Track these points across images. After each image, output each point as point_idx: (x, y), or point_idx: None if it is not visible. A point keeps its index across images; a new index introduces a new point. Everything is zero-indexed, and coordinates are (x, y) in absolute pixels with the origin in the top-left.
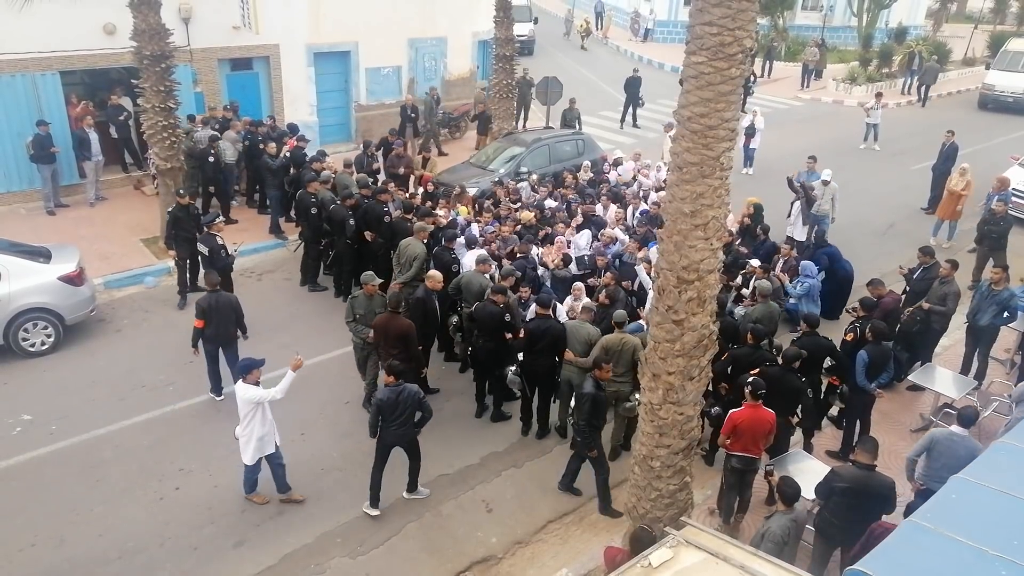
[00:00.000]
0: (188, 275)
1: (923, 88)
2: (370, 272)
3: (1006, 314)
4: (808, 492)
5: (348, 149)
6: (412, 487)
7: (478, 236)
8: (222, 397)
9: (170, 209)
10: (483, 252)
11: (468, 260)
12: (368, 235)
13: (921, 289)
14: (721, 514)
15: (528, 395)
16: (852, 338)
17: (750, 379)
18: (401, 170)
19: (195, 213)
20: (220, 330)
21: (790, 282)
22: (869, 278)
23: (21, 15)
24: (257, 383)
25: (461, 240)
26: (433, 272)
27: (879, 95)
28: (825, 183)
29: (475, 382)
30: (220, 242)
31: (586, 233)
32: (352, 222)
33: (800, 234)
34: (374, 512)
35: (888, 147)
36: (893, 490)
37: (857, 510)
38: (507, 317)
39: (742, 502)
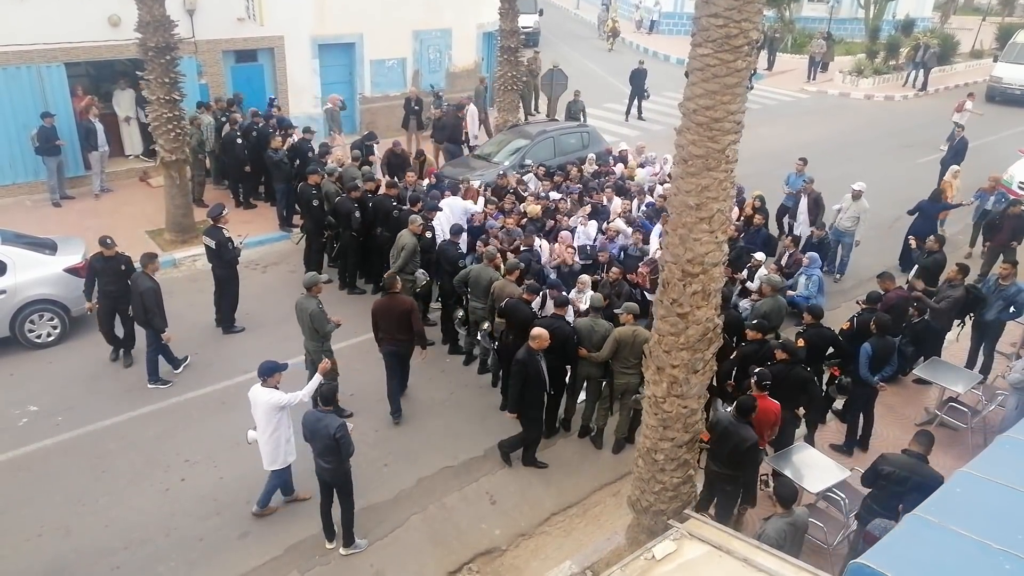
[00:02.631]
0: (123, 333)
1: (924, 72)
2: (312, 273)
3: (1012, 309)
4: (813, 486)
5: (352, 142)
6: (346, 540)
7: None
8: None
9: (89, 256)
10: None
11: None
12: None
13: (926, 264)
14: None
15: None
16: (848, 327)
17: (756, 370)
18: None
19: (119, 267)
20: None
21: (796, 274)
22: (878, 271)
23: (26, 6)
24: (277, 386)
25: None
26: (538, 331)
27: (971, 95)
28: (855, 196)
29: (501, 376)
30: (227, 235)
31: (594, 224)
32: (358, 214)
33: (807, 231)
34: (329, 546)
35: (894, 140)
36: (941, 484)
37: (900, 499)
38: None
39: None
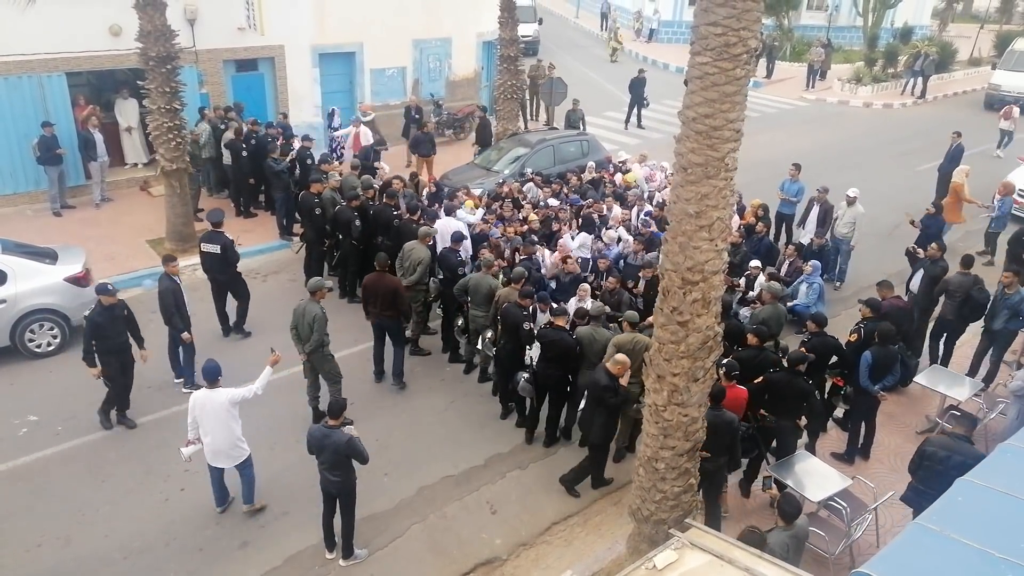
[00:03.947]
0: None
1: (922, 80)
2: (317, 278)
3: (1020, 318)
4: (814, 495)
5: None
6: (346, 551)
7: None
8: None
9: (87, 314)
10: (459, 231)
11: (444, 225)
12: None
13: (935, 274)
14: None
15: (536, 404)
16: (856, 339)
17: (724, 361)
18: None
19: (122, 313)
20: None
21: (797, 281)
22: (878, 279)
23: (27, 16)
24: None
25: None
26: (621, 357)
27: (1019, 103)
28: (849, 202)
29: (500, 384)
30: (230, 237)
31: (582, 236)
32: (358, 223)
33: (806, 240)
34: (329, 556)
35: (894, 147)
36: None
37: (944, 477)
38: (527, 325)
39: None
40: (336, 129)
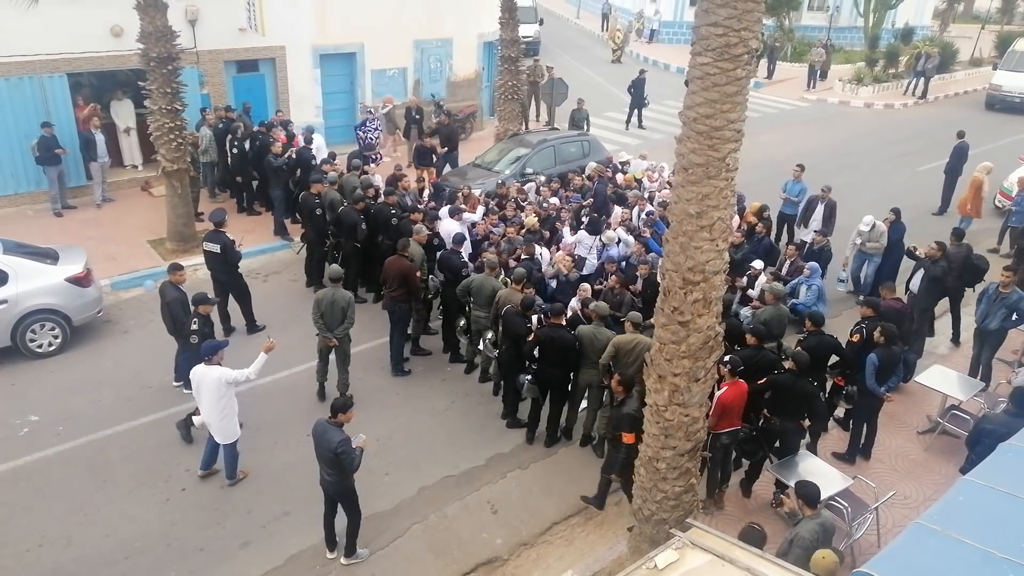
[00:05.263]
0: None
1: (924, 80)
2: (336, 266)
3: (1015, 316)
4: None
5: (350, 152)
6: (348, 550)
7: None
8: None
9: (194, 328)
10: (461, 232)
11: (446, 227)
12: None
13: (935, 274)
14: (707, 491)
15: (539, 402)
16: (859, 339)
17: (727, 358)
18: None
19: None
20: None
21: (795, 282)
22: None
23: (28, 17)
24: (220, 363)
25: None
26: None
27: None
28: (871, 229)
29: (503, 384)
30: (230, 237)
31: (581, 232)
32: (364, 227)
33: (809, 238)
34: (330, 555)
35: (895, 148)
36: None
37: None
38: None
39: (724, 474)
40: (370, 131)
